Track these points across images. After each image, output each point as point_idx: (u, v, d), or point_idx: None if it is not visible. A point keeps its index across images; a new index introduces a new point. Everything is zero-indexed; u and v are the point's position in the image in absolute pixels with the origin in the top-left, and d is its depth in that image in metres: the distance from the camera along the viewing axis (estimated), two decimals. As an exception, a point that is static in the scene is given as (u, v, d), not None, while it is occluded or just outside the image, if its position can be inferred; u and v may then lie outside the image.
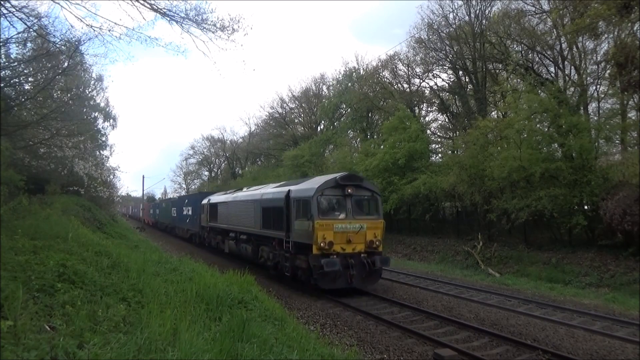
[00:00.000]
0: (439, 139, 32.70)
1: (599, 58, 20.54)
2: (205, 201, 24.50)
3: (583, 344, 8.33)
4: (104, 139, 29.45)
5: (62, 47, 10.16)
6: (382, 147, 28.45)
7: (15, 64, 11.08)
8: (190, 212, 29.15)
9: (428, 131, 31.43)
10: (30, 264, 5.73)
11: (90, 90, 22.59)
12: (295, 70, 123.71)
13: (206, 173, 73.46)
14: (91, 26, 9.18)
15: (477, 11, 26.42)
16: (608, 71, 19.02)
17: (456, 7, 27.30)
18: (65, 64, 10.73)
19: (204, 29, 9.75)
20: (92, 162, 20.18)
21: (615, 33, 17.96)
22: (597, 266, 15.96)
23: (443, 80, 31.01)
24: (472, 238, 21.94)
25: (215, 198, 23.05)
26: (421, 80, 32.45)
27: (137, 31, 11.63)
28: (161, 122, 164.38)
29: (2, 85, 9.88)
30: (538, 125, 20.05)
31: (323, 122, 44.96)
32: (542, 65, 23.50)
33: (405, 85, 33.60)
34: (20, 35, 10.20)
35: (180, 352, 4.14)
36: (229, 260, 19.99)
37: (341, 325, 9.68)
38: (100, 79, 23.33)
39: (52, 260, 6.10)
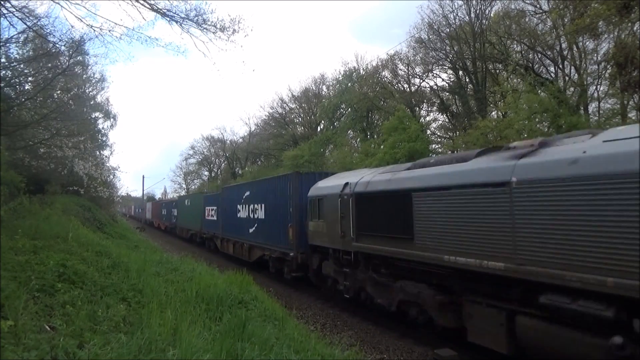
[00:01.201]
0: (439, 139, 32.76)
1: (599, 58, 20.62)
2: (325, 190, 11.01)
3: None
4: (104, 138, 29.44)
5: (62, 47, 10.18)
6: (382, 147, 28.46)
7: (15, 64, 11.08)
8: (260, 215, 15.78)
9: (428, 131, 31.47)
10: (30, 264, 5.73)
11: (90, 90, 22.59)
12: (295, 70, 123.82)
13: (206, 173, 73.64)
14: (91, 26, 9.18)
15: (477, 11, 26.47)
16: (608, 71, 19.05)
17: (456, 7, 27.39)
18: (66, 64, 10.74)
19: (204, 30, 9.76)
20: (92, 162, 20.11)
21: (615, 33, 17.98)
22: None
23: (443, 80, 31.14)
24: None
25: (392, 177, 8.45)
26: (421, 80, 32.57)
27: (137, 31, 11.63)
28: (161, 122, 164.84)
29: (2, 85, 9.87)
30: (538, 125, 20.05)
31: (323, 122, 44.99)
32: (542, 65, 23.56)
33: (405, 85, 33.67)
34: (20, 35, 10.22)
35: (180, 352, 4.14)
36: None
37: (341, 325, 9.68)
38: (102, 79, 23.35)
39: (52, 260, 6.10)
